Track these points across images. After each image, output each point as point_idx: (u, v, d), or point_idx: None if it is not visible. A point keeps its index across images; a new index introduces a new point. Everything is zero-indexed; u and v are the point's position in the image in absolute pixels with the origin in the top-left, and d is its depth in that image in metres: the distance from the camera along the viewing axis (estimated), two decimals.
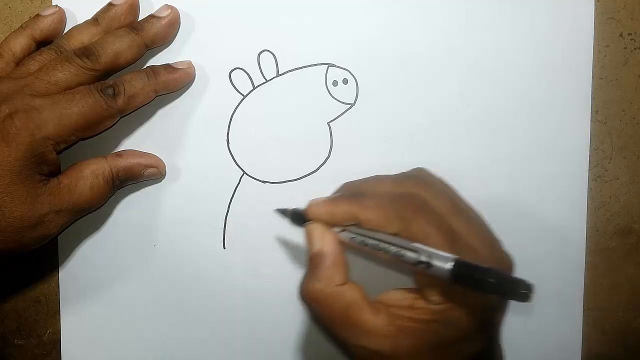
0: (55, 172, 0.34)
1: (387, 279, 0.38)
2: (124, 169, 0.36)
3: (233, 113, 0.38)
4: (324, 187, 0.38)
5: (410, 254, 0.29)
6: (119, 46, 0.35)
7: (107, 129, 0.35)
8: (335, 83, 0.38)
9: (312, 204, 0.33)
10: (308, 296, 0.31)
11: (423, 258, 0.28)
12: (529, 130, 0.38)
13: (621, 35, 0.38)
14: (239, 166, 0.39)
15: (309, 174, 0.39)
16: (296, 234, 0.39)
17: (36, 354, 0.41)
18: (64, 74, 0.34)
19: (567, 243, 0.39)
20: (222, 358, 0.40)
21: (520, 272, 0.39)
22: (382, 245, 0.30)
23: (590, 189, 0.39)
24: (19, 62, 0.36)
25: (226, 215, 0.39)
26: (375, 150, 0.38)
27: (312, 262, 0.31)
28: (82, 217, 0.36)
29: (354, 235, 0.31)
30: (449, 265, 0.27)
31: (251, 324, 0.40)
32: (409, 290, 0.32)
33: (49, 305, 0.40)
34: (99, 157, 0.36)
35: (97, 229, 0.39)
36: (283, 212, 0.35)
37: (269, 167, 0.39)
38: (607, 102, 0.38)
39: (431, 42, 0.38)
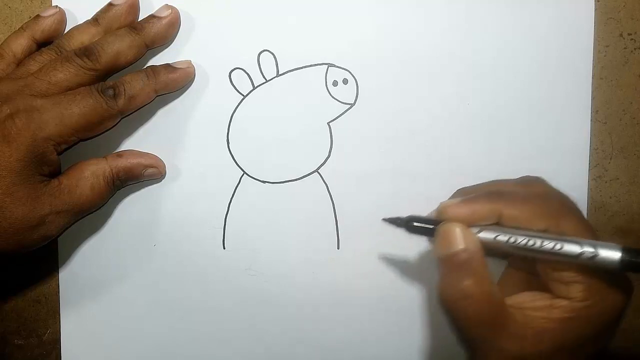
0: (55, 172, 0.34)
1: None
2: (125, 169, 0.36)
3: (233, 113, 0.38)
4: (324, 187, 0.39)
5: (572, 247, 0.28)
6: (120, 46, 0.35)
7: (107, 130, 0.36)
8: (335, 83, 0.38)
9: (448, 204, 0.31)
10: (459, 294, 0.29)
11: (587, 249, 0.28)
12: (529, 130, 0.38)
13: (621, 35, 0.38)
14: (239, 166, 0.39)
15: (309, 174, 0.39)
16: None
17: (36, 354, 0.41)
18: (64, 74, 0.34)
19: None
20: (222, 358, 0.40)
21: None
22: (535, 241, 0.29)
23: (590, 189, 0.39)
24: (20, 62, 0.36)
25: (226, 215, 0.39)
26: (375, 150, 0.38)
27: (454, 261, 0.29)
28: (82, 218, 0.36)
29: (497, 234, 0.30)
30: (617, 254, 0.28)
31: (251, 324, 0.40)
32: (538, 292, 0.31)
33: (49, 305, 0.40)
34: (99, 158, 0.36)
35: (97, 229, 0.39)
36: (395, 221, 0.32)
37: (269, 167, 0.39)
38: (607, 102, 0.38)
39: (431, 42, 0.38)
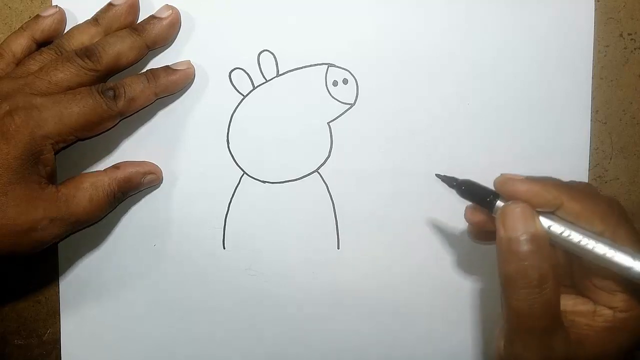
0: (52, 173, 0.34)
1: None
2: (124, 179, 0.36)
3: (233, 113, 0.38)
4: (323, 187, 0.39)
5: (624, 258, 0.27)
6: (121, 47, 0.35)
7: (106, 130, 0.36)
8: (335, 83, 0.38)
9: (511, 177, 0.29)
10: (519, 282, 0.28)
11: (638, 264, 0.27)
12: (529, 130, 0.38)
13: (621, 35, 0.38)
14: (239, 166, 0.39)
15: (309, 174, 0.39)
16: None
17: (36, 354, 0.41)
18: (64, 74, 0.34)
19: None
20: (222, 358, 0.40)
21: None
22: (589, 241, 0.28)
23: None
24: (20, 62, 0.36)
25: (226, 215, 0.39)
26: (375, 150, 0.38)
27: (530, 243, 0.28)
28: (78, 230, 0.36)
29: (552, 224, 0.28)
30: None
31: (251, 324, 0.40)
32: (580, 296, 0.30)
33: (49, 305, 0.40)
34: (99, 171, 0.36)
35: (97, 229, 0.39)
36: (448, 180, 0.31)
37: (269, 167, 0.39)
38: (607, 102, 0.38)
39: (431, 42, 0.38)
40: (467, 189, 0.30)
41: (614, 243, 0.28)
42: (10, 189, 0.32)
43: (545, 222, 0.28)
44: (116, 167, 0.37)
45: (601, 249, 0.28)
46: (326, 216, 0.39)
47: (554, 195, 0.28)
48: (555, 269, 0.28)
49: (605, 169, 0.39)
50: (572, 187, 0.29)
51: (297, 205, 0.39)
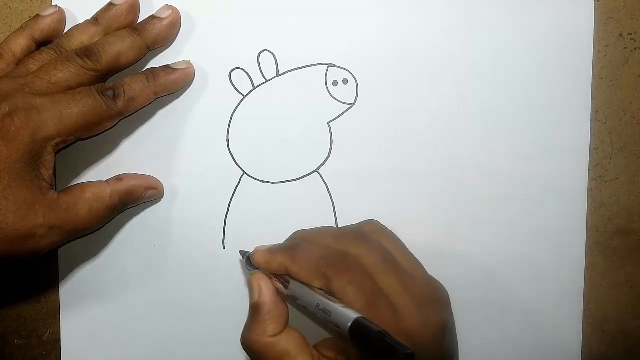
0: (51, 175, 0.34)
1: None
2: (126, 192, 0.36)
3: (233, 113, 0.38)
4: (323, 187, 0.39)
5: (324, 312, 0.29)
6: (121, 47, 0.35)
7: (106, 130, 0.36)
8: (335, 83, 0.38)
9: (255, 251, 0.34)
10: (245, 345, 0.32)
11: (323, 307, 0.29)
12: (529, 130, 0.38)
13: (621, 35, 0.38)
14: (239, 166, 0.39)
15: (309, 174, 0.39)
16: None
17: (36, 354, 0.41)
18: (64, 74, 0.34)
19: (567, 243, 0.39)
20: (222, 358, 0.40)
21: (520, 272, 0.39)
22: (305, 299, 0.31)
23: (590, 189, 0.39)
24: (19, 62, 0.36)
25: (226, 215, 0.39)
26: (375, 150, 0.38)
27: (251, 312, 0.33)
28: (77, 238, 0.36)
29: (288, 290, 0.32)
30: (347, 325, 0.28)
31: None
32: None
33: (49, 305, 0.40)
34: (101, 181, 0.36)
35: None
36: (243, 254, 0.36)
37: (269, 167, 0.39)
38: (607, 102, 0.38)
39: (431, 42, 0.38)
40: (248, 261, 0.35)
41: (322, 298, 0.30)
42: (10, 193, 0.32)
43: (290, 287, 0.32)
44: (119, 178, 0.37)
45: (312, 307, 0.30)
46: (326, 216, 0.39)
47: (279, 262, 0.32)
48: (264, 332, 0.31)
49: (605, 169, 0.39)
50: (298, 249, 0.33)
51: (297, 205, 0.39)
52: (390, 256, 0.33)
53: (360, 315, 0.28)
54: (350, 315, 0.28)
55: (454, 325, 0.34)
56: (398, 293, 0.31)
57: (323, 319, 0.30)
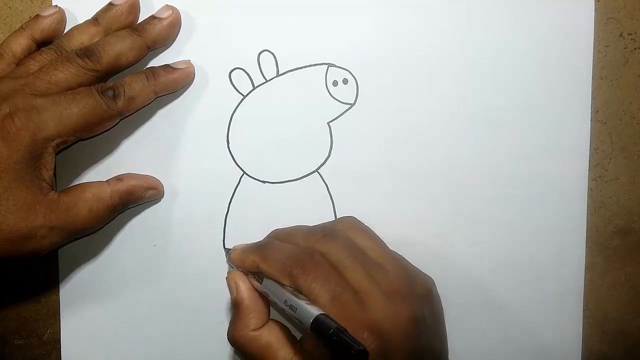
0: (52, 176, 0.34)
1: None
2: (126, 192, 0.36)
3: (233, 113, 0.38)
4: (323, 187, 0.39)
5: (291, 308, 0.30)
6: (121, 47, 0.35)
7: (106, 130, 0.36)
8: (335, 83, 0.38)
9: (232, 250, 0.36)
10: (230, 341, 0.34)
11: (290, 303, 0.30)
12: (529, 130, 0.38)
13: (621, 35, 0.38)
14: (239, 166, 0.39)
15: (309, 174, 0.39)
16: None
17: (36, 354, 0.41)
18: (64, 74, 0.34)
19: (567, 243, 0.39)
20: (222, 358, 0.40)
21: (520, 272, 0.39)
22: (275, 296, 0.32)
23: (590, 189, 0.39)
24: (20, 62, 0.36)
25: (226, 215, 0.39)
26: (375, 150, 0.38)
27: (232, 308, 0.34)
28: (77, 238, 0.36)
29: (262, 287, 0.33)
30: (309, 321, 0.29)
31: None
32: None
33: (49, 305, 0.40)
34: (101, 182, 0.36)
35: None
36: (227, 251, 0.38)
37: (269, 167, 0.39)
38: (607, 102, 0.38)
39: (431, 42, 0.38)
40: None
41: (289, 295, 0.31)
42: (10, 194, 0.32)
43: (257, 282, 0.34)
44: (119, 179, 0.37)
45: (280, 302, 0.31)
46: (326, 216, 0.39)
47: (251, 260, 0.34)
48: (246, 326, 0.33)
49: (605, 169, 0.39)
50: (270, 247, 0.34)
51: (297, 205, 0.39)
52: (359, 251, 0.33)
53: (321, 312, 0.29)
54: (312, 312, 0.29)
55: (438, 319, 0.34)
56: (366, 287, 0.31)
57: (290, 315, 0.30)
